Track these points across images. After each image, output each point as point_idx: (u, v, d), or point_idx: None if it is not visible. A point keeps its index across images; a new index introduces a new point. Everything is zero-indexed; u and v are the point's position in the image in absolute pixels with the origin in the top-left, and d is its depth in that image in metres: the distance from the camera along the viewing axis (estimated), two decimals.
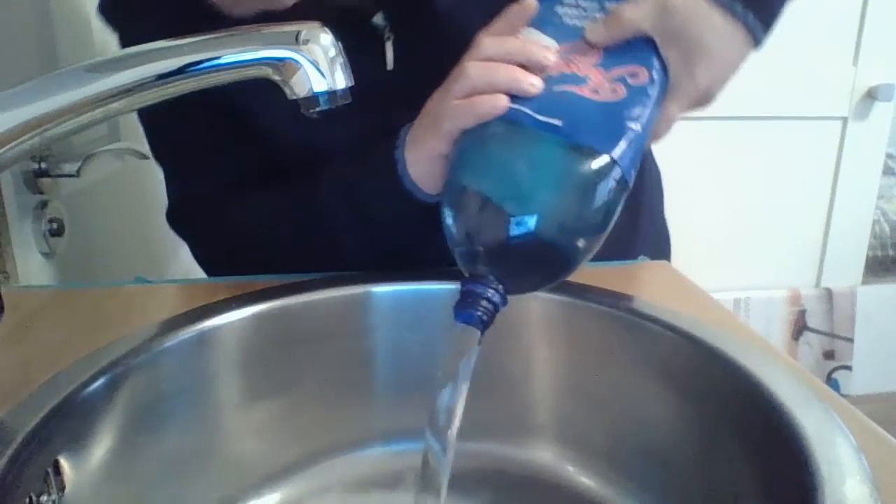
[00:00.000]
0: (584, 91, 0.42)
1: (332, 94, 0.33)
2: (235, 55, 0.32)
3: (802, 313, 1.84)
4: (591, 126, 0.40)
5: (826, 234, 1.83)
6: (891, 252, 1.94)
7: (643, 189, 0.69)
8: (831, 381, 1.88)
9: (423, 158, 0.48)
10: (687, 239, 1.65)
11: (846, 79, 1.71)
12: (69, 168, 0.68)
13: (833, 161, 1.78)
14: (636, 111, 0.41)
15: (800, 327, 1.85)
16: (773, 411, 0.36)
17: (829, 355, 1.88)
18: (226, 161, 0.61)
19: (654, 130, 0.45)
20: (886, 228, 1.93)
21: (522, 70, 0.43)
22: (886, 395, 1.90)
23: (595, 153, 0.39)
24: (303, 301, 0.50)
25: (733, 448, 0.41)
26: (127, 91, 0.32)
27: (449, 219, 0.41)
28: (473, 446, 0.54)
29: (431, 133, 0.46)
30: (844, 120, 1.74)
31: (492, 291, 0.38)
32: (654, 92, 0.43)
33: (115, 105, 0.32)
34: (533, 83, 0.42)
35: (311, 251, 0.57)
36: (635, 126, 0.41)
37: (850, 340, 1.88)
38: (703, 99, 0.48)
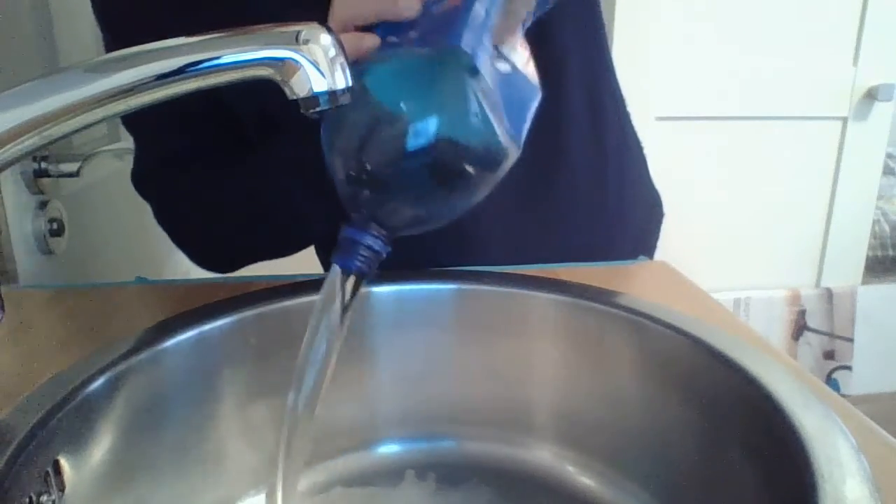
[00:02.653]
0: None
1: (332, 94, 0.33)
2: (235, 55, 0.32)
3: (802, 313, 1.84)
4: (438, 28, 0.39)
5: (826, 234, 1.83)
6: (891, 252, 1.94)
7: (623, 164, 0.71)
8: (831, 381, 1.88)
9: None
10: (687, 239, 1.65)
11: (846, 79, 1.71)
12: (69, 168, 0.68)
13: (833, 161, 1.78)
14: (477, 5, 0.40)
15: (800, 327, 1.85)
16: (773, 411, 0.36)
17: (829, 355, 1.88)
18: (190, 130, 0.61)
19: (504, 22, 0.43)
20: (886, 228, 1.93)
21: None
22: (886, 395, 1.90)
23: (442, 48, 0.38)
24: (303, 301, 0.50)
25: (733, 448, 0.41)
26: (127, 91, 0.32)
27: (330, 155, 0.40)
28: (473, 446, 0.54)
29: None
30: (844, 120, 1.74)
31: (372, 238, 0.38)
32: None
33: (115, 105, 0.32)
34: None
35: (267, 227, 0.59)
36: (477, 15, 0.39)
37: (850, 340, 1.88)
38: None
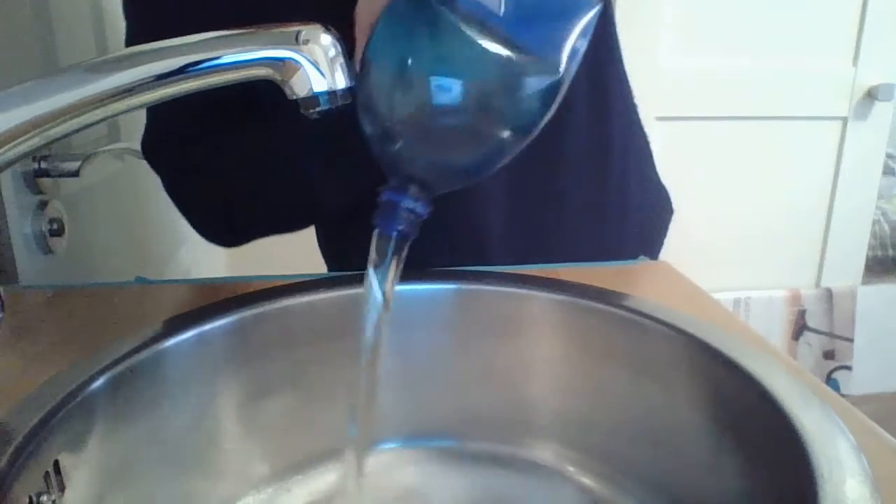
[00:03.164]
0: None
1: (332, 93, 0.33)
2: (235, 55, 0.32)
3: (802, 313, 1.85)
4: None
5: (826, 234, 1.84)
6: (891, 252, 1.94)
7: (627, 153, 0.69)
8: (831, 381, 1.88)
9: None
10: (687, 239, 1.65)
11: (846, 79, 1.71)
12: (69, 168, 0.68)
13: (833, 161, 1.78)
14: None
15: (800, 327, 1.85)
16: (773, 411, 0.36)
17: (829, 355, 1.88)
18: (200, 99, 0.61)
19: None
20: (886, 228, 1.93)
21: None
22: (886, 395, 1.90)
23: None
24: (303, 301, 0.50)
25: (733, 448, 0.41)
26: (127, 91, 0.32)
27: (364, 117, 0.38)
28: (473, 445, 0.54)
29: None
30: (844, 120, 1.74)
31: (412, 200, 0.37)
32: None
33: (115, 105, 0.32)
34: None
35: (274, 195, 0.59)
36: None
37: (850, 340, 1.88)
38: None
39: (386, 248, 0.38)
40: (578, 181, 0.66)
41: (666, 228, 0.76)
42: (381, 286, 0.39)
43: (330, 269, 0.76)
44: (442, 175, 0.39)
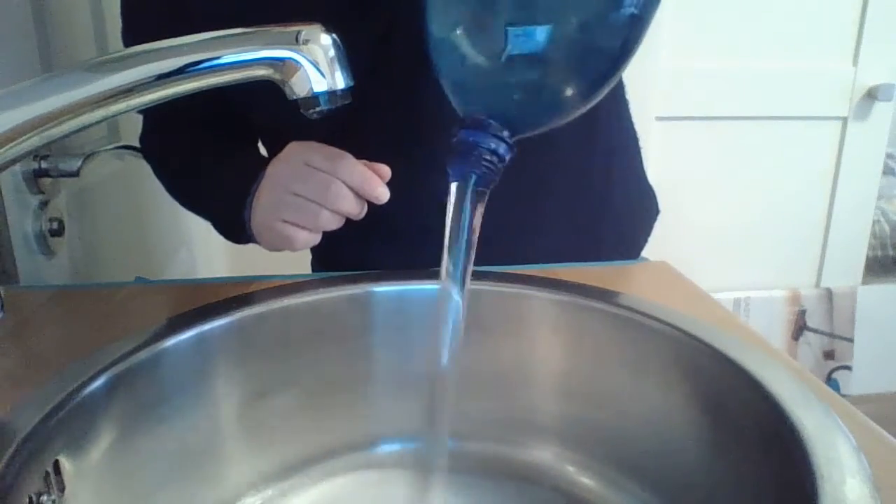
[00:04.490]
0: None
1: (332, 94, 0.33)
2: (235, 55, 0.32)
3: (802, 313, 1.84)
4: None
5: (826, 234, 1.83)
6: (891, 252, 1.94)
7: (613, 148, 0.69)
8: (831, 381, 1.88)
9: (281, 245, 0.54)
10: (687, 239, 1.65)
11: (846, 79, 1.71)
12: (69, 168, 0.68)
13: (833, 161, 1.78)
14: None
15: (800, 327, 1.85)
16: (773, 411, 0.36)
17: (829, 355, 1.88)
18: (194, 112, 0.64)
19: None
20: (886, 228, 1.93)
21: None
22: (886, 395, 1.90)
23: None
24: (303, 301, 0.50)
25: (733, 448, 0.41)
26: (127, 91, 0.32)
27: (443, 47, 0.34)
28: (474, 446, 0.54)
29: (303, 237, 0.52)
30: (844, 120, 1.74)
31: (495, 141, 0.32)
32: None
33: (115, 105, 0.32)
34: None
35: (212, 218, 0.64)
36: None
37: (850, 340, 1.88)
38: None
39: (462, 201, 0.32)
40: (562, 172, 0.66)
41: (650, 228, 0.76)
42: (458, 260, 0.33)
43: (314, 267, 0.75)
44: (526, 112, 0.34)
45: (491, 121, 0.33)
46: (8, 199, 0.62)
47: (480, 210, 0.33)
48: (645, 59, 1.59)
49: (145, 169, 0.70)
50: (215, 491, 0.47)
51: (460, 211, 0.33)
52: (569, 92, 0.34)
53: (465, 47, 0.33)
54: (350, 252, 0.61)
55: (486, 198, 0.33)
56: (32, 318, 0.51)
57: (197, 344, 0.46)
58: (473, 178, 0.33)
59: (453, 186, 0.33)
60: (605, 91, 0.35)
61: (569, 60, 0.33)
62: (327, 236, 0.54)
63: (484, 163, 0.32)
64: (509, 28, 0.32)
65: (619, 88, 0.69)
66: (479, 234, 0.62)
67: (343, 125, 0.49)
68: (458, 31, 0.34)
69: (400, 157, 0.52)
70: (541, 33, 0.32)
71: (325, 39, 0.33)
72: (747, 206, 1.77)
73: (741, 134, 1.71)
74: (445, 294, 0.35)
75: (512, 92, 0.33)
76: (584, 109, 0.36)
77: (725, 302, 1.79)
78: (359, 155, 0.52)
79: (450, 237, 0.34)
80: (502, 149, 0.33)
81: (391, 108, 0.58)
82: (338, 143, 0.52)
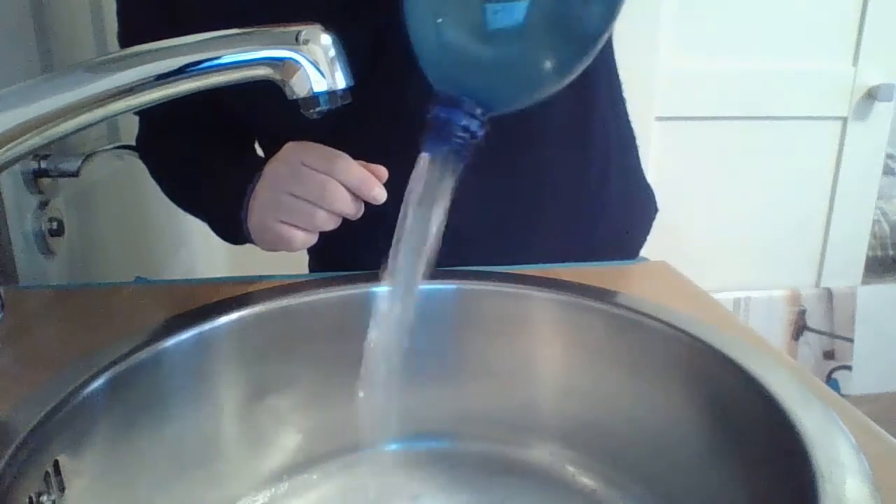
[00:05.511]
0: None
1: (332, 94, 0.33)
2: (235, 55, 0.32)
3: (802, 313, 1.84)
4: None
5: (826, 234, 1.83)
6: (891, 252, 1.94)
7: (610, 145, 0.69)
8: (831, 381, 1.88)
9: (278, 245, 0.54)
10: (687, 239, 1.65)
11: (846, 79, 1.71)
12: (69, 168, 0.68)
13: (833, 161, 1.78)
14: None
15: (800, 327, 1.85)
16: (773, 411, 0.36)
17: (829, 355, 1.88)
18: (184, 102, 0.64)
19: None
20: (886, 228, 1.93)
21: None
22: (886, 395, 1.90)
23: None
24: (303, 301, 0.50)
25: (733, 448, 0.41)
26: (127, 91, 0.32)
27: (418, 22, 0.35)
28: (473, 446, 0.54)
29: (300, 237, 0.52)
30: (844, 120, 1.74)
31: (467, 117, 0.33)
32: None
33: (115, 105, 0.32)
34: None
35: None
36: None
37: (850, 340, 1.88)
38: None
39: (434, 176, 0.33)
40: (559, 171, 0.66)
41: (648, 227, 0.76)
42: (422, 225, 0.33)
43: (312, 267, 0.75)
44: (501, 88, 0.34)
45: (465, 97, 0.33)
46: (8, 199, 0.62)
47: (451, 184, 0.34)
48: (645, 59, 1.59)
49: (145, 169, 0.70)
50: (215, 491, 0.47)
51: (427, 185, 0.34)
52: (544, 68, 0.34)
53: (440, 22, 0.34)
54: (347, 252, 0.61)
55: (457, 175, 0.34)
56: (32, 318, 0.51)
57: (197, 344, 0.46)
58: (446, 148, 0.33)
59: (423, 160, 0.34)
60: (580, 69, 0.35)
61: (545, 37, 0.33)
62: (325, 236, 0.54)
63: (457, 137, 0.33)
64: (486, 4, 0.32)
65: (616, 87, 0.69)
66: (478, 233, 0.63)
67: (340, 126, 0.49)
68: (434, 6, 0.34)
69: (397, 158, 0.52)
70: (518, 9, 0.32)
71: (325, 39, 0.33)
72: (747, 205, 1.77)
73: (741, 134, 1.71)
74: (395, 281, 0.37)
75: (488, 68, 0.34)
76: (559, 87, 0.36)
77: (725, 302, 1.79)
78: (355, 155, 0.52)
79: (407, 217, 0.34)
80: (475, 125, 0.33)
81: (388, 109, 0.58)
82: (334, 144, 0.52)
